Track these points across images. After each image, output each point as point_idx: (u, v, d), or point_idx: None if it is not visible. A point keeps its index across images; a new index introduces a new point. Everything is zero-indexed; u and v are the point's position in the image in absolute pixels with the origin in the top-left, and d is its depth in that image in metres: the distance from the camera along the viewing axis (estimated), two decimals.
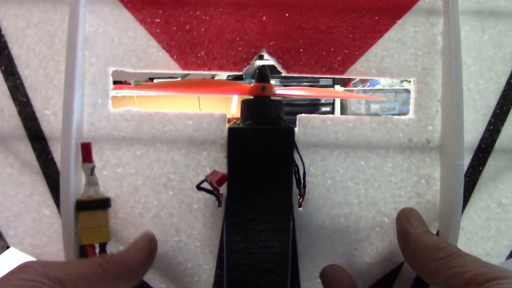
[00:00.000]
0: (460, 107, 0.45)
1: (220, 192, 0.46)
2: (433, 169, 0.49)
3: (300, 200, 0.47)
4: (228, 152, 0.43)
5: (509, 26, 0.49)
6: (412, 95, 0.50)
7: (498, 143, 0.50)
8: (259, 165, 0.42)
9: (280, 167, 0.41)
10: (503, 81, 0.50)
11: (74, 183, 0.46)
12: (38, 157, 0.49)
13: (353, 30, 0.49)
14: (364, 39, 0.49)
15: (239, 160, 0.42)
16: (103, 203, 0.47)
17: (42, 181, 0.49)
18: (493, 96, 0.50)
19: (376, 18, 0.49)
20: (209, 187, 0.47)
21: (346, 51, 0.49)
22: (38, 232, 0.49)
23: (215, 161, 0.49)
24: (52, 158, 0.49)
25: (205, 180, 0.45)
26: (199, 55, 0.49)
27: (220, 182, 0.42)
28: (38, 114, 0.49)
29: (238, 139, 0.42)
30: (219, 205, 0.48)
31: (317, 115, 0.50)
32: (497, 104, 0.50)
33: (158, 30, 0.49)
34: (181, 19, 0.49)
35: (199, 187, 0.46)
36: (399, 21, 0.49)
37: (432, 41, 0.49)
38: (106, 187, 0.49)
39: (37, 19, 0.49)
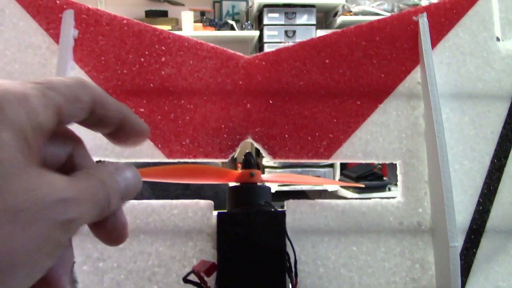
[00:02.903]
0: (449, 189, 0.45)
1: (208, 285, 0.44)
2: (426, 252, 0.48)
3: None
4: (217, 239, 0.41)
5: (487, 107, 0.51)
6: (399, 177, 0.50)
7: (489, 224, 0.49)
8: (250, 252, 0.40)
9: (272, 253, 0.40)
10: (487, 160, 0.50)
11: None
12: None
13: (337, 115, 0.50)
14: (348, 123, 0.50)
15: (229, 246, 0.40)
16: None
17: None
18: (479, 176, 0.50)
19: (358, 102, 0.50)
20: (196, 279, 0.44)
21: (331, 135, 0.50)
22: None
23: (202, 251, 0.47)
24: None
25: (192, 271, 0.43)
26: (184, 143, 0.49)
27: (208, 272, 0.40)
28: None
29: (227, 224, 0.40)
30: None
31: (305, 200, 0.49)
32: (484, 184, 0.50)
33: (143, 120, 0.49)
34: (166, 108, 0.49)
35: (185, 280, 0.44)
36: (381, 105, 0.50)
37: (414, 124, 0.50)
38: (87, 283, 0.46)
39: None
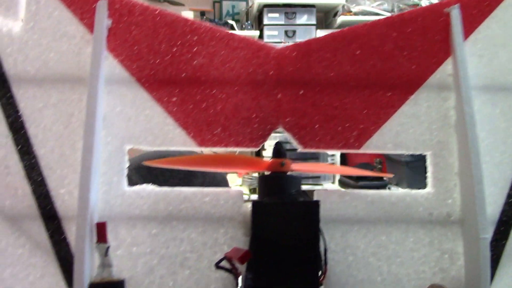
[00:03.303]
0: (479, 180, 0.45)
1: (239, 271, 0.45)
2: (455, 243, 0.48)
3: (321, 278, 0.45)
4: (252, 227, 0.42)
5: None
6: (429, 168, 0.50)
7: None
8: (284, 240, 0.40)
9: (305, 243, 0.40)
10: None
11: (88, 265, 0.44)
12: (51, 237, 0.48)
13: (367, 106, 0.50)
14: (378, 114, 0.50)
15: (263, 235, 0.40)
16: (117, 286, 0.45)
17: (53, 262, 0.47)
18: (509, 169, 0.50)
19: (389, 94, 0.50)
20: (227, 266, 0.45)
21: (361, 126, 0.50)
22: None
23: (233, 239, 0.48)
24: (65, 238, 0.48)
25: (225, 257, 0.44)
26: (215, 132, 0.50)
27: (242, 259, 0.40)
28: (52, 193, 0.48)
29: (263, 213, 0.41)
30: (237, 286, 0.46)
31: (335, 190, 0.50)
32: None
33: (175, 109, 0.50)
34: (198, 97, 0.50)
35: (218, 266, 0.45)
36: (412, 97, 0.50)
37: (445, 115, 0.50)
38: (120, 267, 0.47)
39: (55, 99, 0.50)
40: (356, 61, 0.51)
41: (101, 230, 0.45)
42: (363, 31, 0.51)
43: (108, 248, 0.46)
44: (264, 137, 0.50)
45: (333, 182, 1.84)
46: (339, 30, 0.52)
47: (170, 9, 2.76)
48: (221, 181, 0.59)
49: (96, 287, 0.44)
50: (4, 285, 0.47)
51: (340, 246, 0.48)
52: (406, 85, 0.51)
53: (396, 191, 0.49)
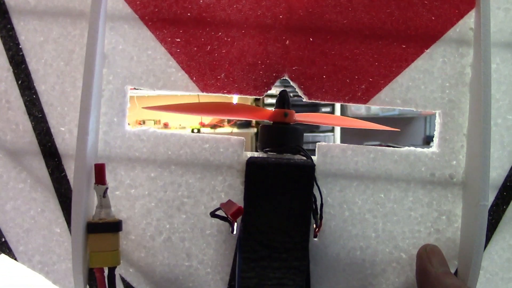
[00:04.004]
0: (487, 143, 0.43)
1: (234, 220, 0.45)
2: (454, 205, 0.48)
3: (316, 231, 0.45)
4: (245, 185, 0.42)
5: None
6: (437, 127, 0.48)
7: None
8: (277, 201, 0.40)
9: (299, 205, 0.40)
10: None
11: (86, 204, 0.45)
12: (51, 174, 0.48)
13: (379, 58, 0.48)
14: (390, 68, 0.48)
15: (257, 194, 0.40)
16: (114, 226, 0.46)
17: (53, 199, 0.48)
18: None
19: (404, 46, 0.48)
20: (223, 214, 0.46)
21: (370, 79, 0.48)
22: (48, 250, 0.49)
23: (231, 187, 0.48)
24: (65, 176, 0.48)
25: (219, 209, 0.44)
26: (219, 77, 0.48)
27: (235, 215, 0.40)
28: (53, 131, 0.48)
29: (256, 172, 0.41)
30: (232, 231, 0.47)
31: (338, 144, 0.49)
32: None
33: (178, 50, 0.48)
34: (202, 39, 0.48)
35: (213, 214, 0.45)
36: (427, 51, 0.48)
37: (460, 73, 0.48)
38: (119, 207, 0.48)
39: (56, 34, 0.48)
40: (372, 8, 0.48)
41: (99, 171, 0.45)
42: None
43: (106, 189, 0.46)
44: (269, 85, 0.48)
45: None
46: None
47: None
48: None
49: (93, 226, 0.45)
50: (6, 217, 0.49)
51: (337, 201, 0.48)
52: (423, 37, 0.48)
53: (400, 149, 0.48)
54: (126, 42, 0.48)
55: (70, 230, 0.48)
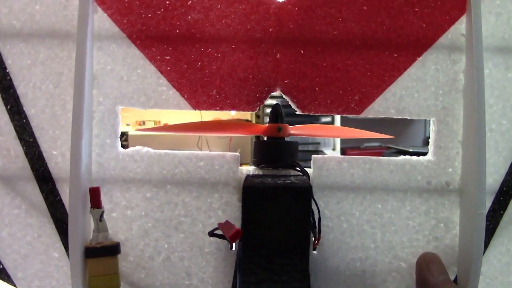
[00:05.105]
0: (482, 151, 0.43)
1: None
2: (452, 212, 0.48)
3: (315, 244, 0.45)
4: (242, 209, 0.41)
5: None
6: (432, 135, 0.48)
7: None
8: (275, 223, 0.40)
9: (297, 226, 0.40)
10: None
11: (83, 229, 0.45)
12: (46, 198, 0.48)
13: (371, 68, 0.47)
14: (383, 77, 0.47)
15: (254, 217, 0.40)
16: (112, 250, 0.46)
17: (50, 223, 0.48)
18: None
19: (395, 55, 0.47)
20: (221, 232, 0.45)
21: (363, 90, 0.48)
22: (46, 275, 0.48)
23: (227, 204, 0.48)
24: (60, 200, 0.48)
25: (217, 228, 0.44)
26: (210, 94, 0.48)
27: (233, 237, 0.40)
28: (45, 155, 0.48)
29: (253, 197, 0.40)
30: (231, 248, 0.47)
31: (333, 156, 0.48)
32: None
33: (168, 68, 0.47)
34: (192, 56, 0.47)
35: (212, 234, 0.45)
36: (420, 59, 0.47)
37: (453, 80, 0.47)
38: (116, 229, 0.48)
39: (43, 57, 0.47)
40: (362, 18, 0.47)
41: (94, 195, 0.45)
42: None
43: (102, 213, 0.46)
44: (261, 99, 0.48)
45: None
46: None
47: None
48: None
49: (91, 251, 0.45)
50: (2, 244, 0.48)
51: (335, 213, 0.48)
52: (415, 45, 0.47)
53: (395, 158, 0.48)
54: (114, 61, 0.47)
55: (68, 255, 0.48)
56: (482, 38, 0.45)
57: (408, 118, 0.48)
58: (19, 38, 0.47)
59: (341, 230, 0.48)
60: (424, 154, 0.49)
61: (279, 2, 0.47)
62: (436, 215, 0.48)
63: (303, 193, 0.39)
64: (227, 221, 0.44)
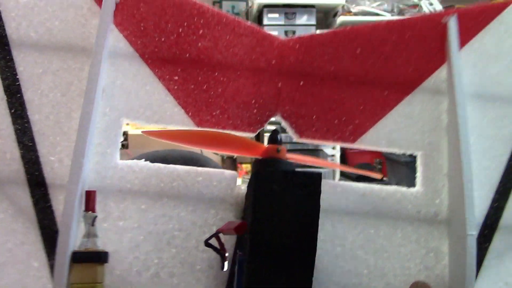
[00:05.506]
0: (469, 179, 0.47)
1: (226, 254, 0.44)
2: (441, 242, 0.49)
3: None
4: (253, 195, 0.40)
5: (508, 109, 0.52)
6: (419, 168, 0.51)
7: (503, 221, 0.50)
8: (285, 210, 0.39)
9: (306, 213, 0.40)
10: (504, 160, 0.51)
11: (73, 233, 0.43)
12: (36, 204, 0.46)
13: (364, 102, 0.51)
14: (374, 111, 0.51)
15: (265, 203, 0.39)
16: (100, 257, 0.44)
17: (35, 230, 0.46)
18: (495, 174, 0.51)
19: (386, 93, 0.52)
20: (216, 245, 0.44)
21: (357, 121, 0.51)
22: (23, 286, 0.45)
23: (223, 220, 0.47)
24: (51, 206, 0.46)
25: (217, 233, 0.43)
26: (214, 113, 0.50)
27: (238, 229, 0.40)
28: (42, 160, 0.47)
29: (264, 182, 0.40)
30: (222, 268, 0.45)
31: (328, 180, 0.50)
32: (500, 182, 0.51)
33: (176, 87, 0.50)
34: (199, 78, 0.50)
35: (207, 243, 0.44)
36: (407, 98, 0.52)
37: (437, 118, 0.52)
38: (105, 240, 0.46)
39: (56, 67, 0.49)
40: (356, 59, 0.52)
41: (90, 198, 0.44)
42: (364, 31, 0.53)
43: (95, 217, 0.45)
44: (262, 122, 0.51)
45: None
46: (341, 28, 0.53)
47: None
48: None
49: (80, 255, 0.43)
50: None
51: (329, 236, 0.48)
52: (402, 85, 0.52)
53: (387, 187, 0.50)
54: (125, 77, 0.49)
55: (49, 264, 0.45)
56: (462, 83, 0.50)
57: (398, 151, 0.51)
58: (34, 48, 0.49)
59: (335, 253, 0.48)
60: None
61: (282, 39, 0.52)
62: (426, 244, 0.49)
63: (314, 178, 0.40)
64: (228, 222, 0.43)
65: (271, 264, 0.39)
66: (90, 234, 0.44)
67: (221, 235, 0.44)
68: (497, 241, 0.50)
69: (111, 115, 0.49)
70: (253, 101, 0.50)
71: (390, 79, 0.52)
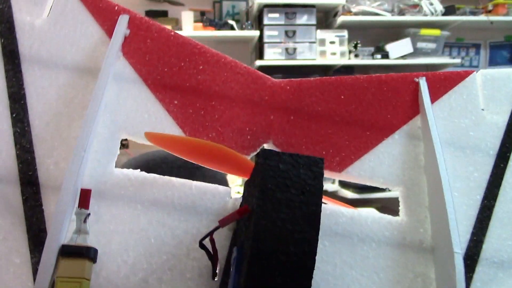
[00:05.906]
0: (451, 203, 0.49)
1: (218, 259, 0.44)
2: (427, 269, 0.50)
3: None
4: (261, 174, 0.41)
5: (477, 157, 0.57)
6: (401, 200, 0.54)
7: (483, 253, 0.52)
8: (290, 190, 0.40)
9: (310, 194, 0.40)
10: (479, 198, 0.55)
11: (65, 228, 0.42)
12: (25, 201, 0.45)
13: (349, 139, 0.55)
14: (358, 147, 0.55)
15: (271, 182, 0.40)
16: (89, 252, 0.42)
17: (21, 226, 0.44)
18: (471, 211, 0.54)
19: (368, 133, 0.56)
20: (210, 248, 0.44)
21: (343, 154, 0.54)
22: (1, 283, 0.42)
23: (216, 232, 0.47)
24: (41, 205, 0.45)
25: (216, 228, 0.43)
26: (210, 135, 0.52)
27: (241, 212, 0.40)
28: (38, 161, 0.47)
29: (272, 160, 0.41)
30: (213, 277, 0.44)
31: None
32: (477, 218, 0.54)
33: (175, 110, 0.53)
34: (197, 105, 0.53)
35: (202, 244, 0.43)
36: (386, 139, 0.56)
37: (415, 159, 0.56)
38: (94, 242, 0.44)
39: (62, 81, 0.51)
40: (340, 103, 0.57)
41: (84, 196, 0.44)
42: (347, 82, 0.59)
43: (88, 214, 0.44)
44: (255, 147, 0.53)
45: (333, 182, 1.71)
46: (327, 77, 0.59)
47: (170, 9, 2.75)
48: (221, 181, 0.59)
49: (69, 248, 0.42)
50: None
51: (318, 257, 0.48)
52: (382, 129, 0.57)
53: (373, 214, 0.52)
54: (127, 96, 0.52)
55: (32, 262, 0.43)
56: (436, 129, 0.55)
57: (380, 186, 0.54)
58: (43, 64, 0.52)
59: (320, 276, 0.47)
60: None
61: (274, 80, 0.57)
62: (414, 269, 0.49)
63: (317, 161, 0.41)
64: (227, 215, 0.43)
65: (274, 242, 0.38)
66: (81, 231, 0.43)
67: (216, 236, 0.44)
68: (480, 273, 0.51)
69: (111, 127, 0.50)
70: (247, 128, 0.53)
71: (372, 122, 0.57)
